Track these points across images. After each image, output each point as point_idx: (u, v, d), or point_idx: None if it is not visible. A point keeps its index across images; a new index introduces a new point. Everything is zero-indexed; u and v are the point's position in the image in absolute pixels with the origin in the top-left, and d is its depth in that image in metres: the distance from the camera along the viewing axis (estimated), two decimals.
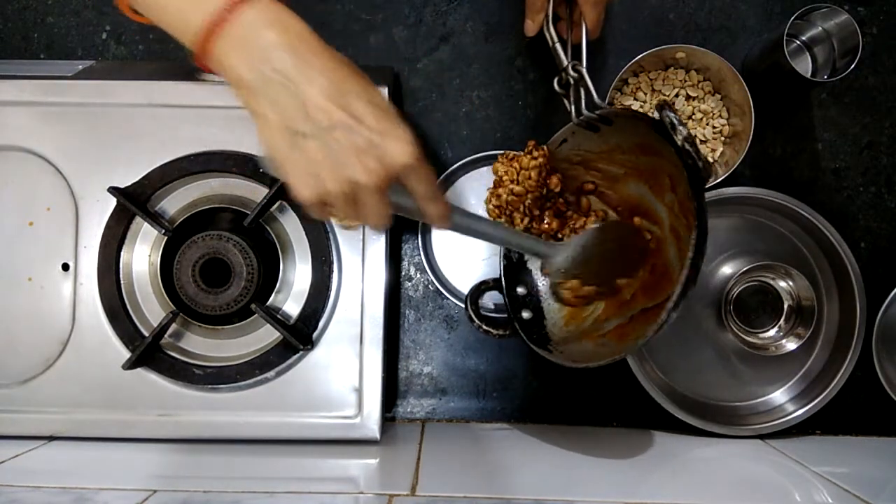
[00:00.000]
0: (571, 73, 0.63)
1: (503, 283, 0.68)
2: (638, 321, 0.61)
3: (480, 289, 0.68)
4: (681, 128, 0.52)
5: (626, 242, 0.64)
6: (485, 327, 0.63)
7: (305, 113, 0.43)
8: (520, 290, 0.68)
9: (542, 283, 0.68)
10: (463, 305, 0.74)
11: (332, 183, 0.44)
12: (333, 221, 0.47)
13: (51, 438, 0.66)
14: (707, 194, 0.71)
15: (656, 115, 0.53)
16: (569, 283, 0.64)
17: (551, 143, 0.67)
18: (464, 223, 0.55)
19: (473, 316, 0.64)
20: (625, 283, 0.63)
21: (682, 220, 0.59)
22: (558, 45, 0.64)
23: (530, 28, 0.66)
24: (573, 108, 0.63)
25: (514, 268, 0.69)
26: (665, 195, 0.61)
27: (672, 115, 0.52)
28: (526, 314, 0.66)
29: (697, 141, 0.75)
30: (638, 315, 0.61)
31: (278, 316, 0.66)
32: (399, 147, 0.44)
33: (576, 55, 0.64)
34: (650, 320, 0.54)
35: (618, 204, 0.66)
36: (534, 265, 0.69)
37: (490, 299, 0.76)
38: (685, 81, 0.75)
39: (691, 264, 0.51)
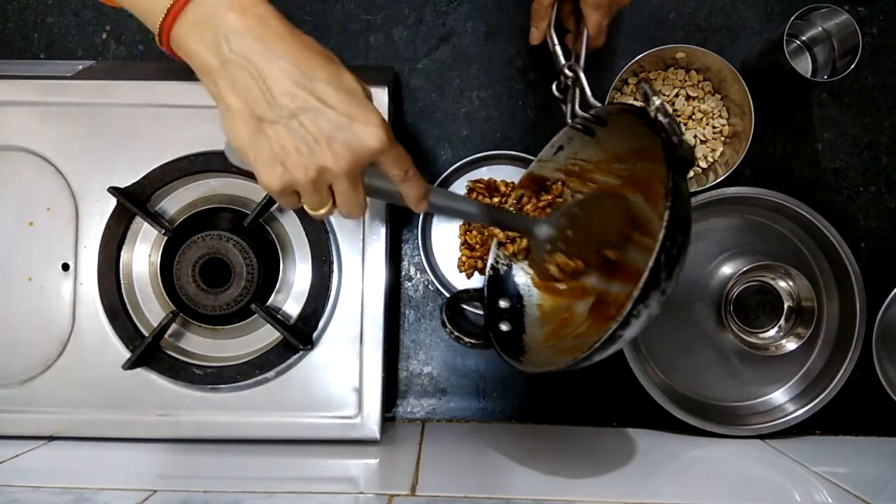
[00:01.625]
0: (567, 72, 0.63)
1: (486, 293, 0.67)
2: None
3: (460, 297, 0.67)
4: (654, 98, 0.48)
5: (611, 213, 0.62)
6: (456, 333, 0.62)
7: (270, 98, 0.41)
8: (502, 302, 0.66)
9: (527, 297, 0.67)
10: (462, 305, 0.75)
11: (300, 170, 0.43)
12: (308, 211, 0.46)
13: (51, 438, 0.66)
14: (707, 194, 0.72)
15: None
16: (555, 259, 0.62)
17: (547, 149, 0.66)
18: (443, 203, 0.55)
19: (446, 321, 0.62)
20: (614, 256, 0.61)
21: None
22: (558, 48, 0.64)
23: (535, 36, 0.66)
24: (569, 109, 0.62)
25: (500, 280, 0.68)
26: (659, 204, 0.58)
27: (647, 86, 0.49)
28: (504, 326, 0.64)
29: (697, 140, 0.75)
30: None
31: (278, 316, 0.66)
32: (369, 131, 0.43)
33: (569, 55, 0.63)
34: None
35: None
36: (522, 278, 0.68)
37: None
38: (685, 81, 0.75)
39: (660, 250, 0.46)
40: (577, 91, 0.61)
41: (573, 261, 0.62)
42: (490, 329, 0.64)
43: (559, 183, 0.66)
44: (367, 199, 0.49)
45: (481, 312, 0.69)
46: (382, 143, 0.43)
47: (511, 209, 0.67)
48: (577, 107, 0.61)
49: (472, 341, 0.62)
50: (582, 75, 0.61)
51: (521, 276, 0.68)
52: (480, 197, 0.73)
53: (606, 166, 0.63)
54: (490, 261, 0.68)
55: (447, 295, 0.75)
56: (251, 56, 0.41)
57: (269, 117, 0.42)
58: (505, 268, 0.68)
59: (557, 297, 0.65)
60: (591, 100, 0.60)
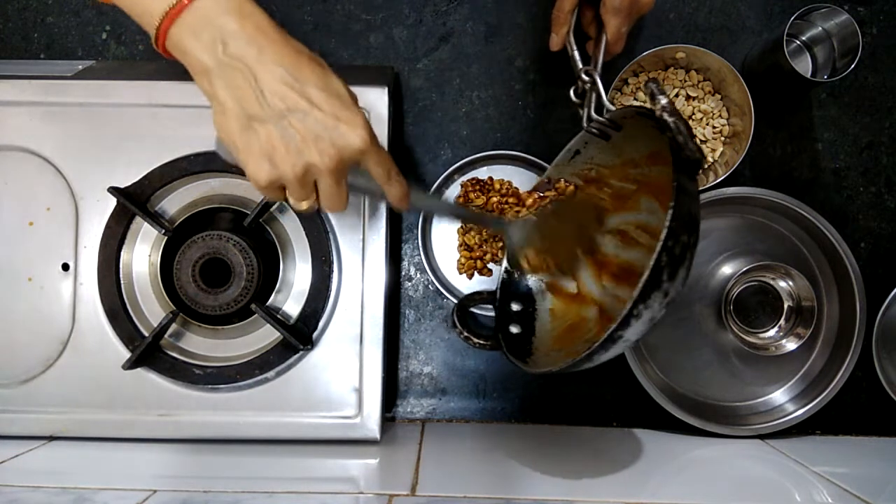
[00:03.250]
0: (584, 77, 0.63)
1: (498, 296, 0.68)
2: None
3: (473, 298, 0.68)
4: (661, 97, 0.49)
5: (581, 215, 0.64)
6: (466, 334, 0.62)
7: (262, 99, 0.44)
8: (514, 305, 0.67)
9: (539, 301, 0.67)
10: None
11: (288, 167, 0.45)
12: (291, 203, 0.49)
13: (51, 438, 0.66)
14: (707, 194, 0.72)
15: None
16: (528, 257, 0.64)
17: (563, 154, 0.67)
18: (423, 203, 0.58)
19: (457, 322, 0.63)
20: (583, 254, 0.64)
21: None
22: (577, 54, 0.64)
23: (555, 42, 0.66)
24: (585, 113, 0.63)
25: (513, 283, 0.68)
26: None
27: (654, 85, 0.49)
28: (514, 329, 0.65)
29: (697, 140, 0.75)
30: None
31: (278, 316, 0.66)
32: (354, 132, 0.45)
33: (589, 60, 0.64)
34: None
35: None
36: (535, 282, 0.68)
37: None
38: (685, 81, 0.75)
39: (661, 249, 0.45)
40: (594, 96, 0.62)
41: (542, 257, 0.64)
42: (500, 331, 0.65)
43: (562, 181, 0.67)
44: (351, 195, 0.51)
45: (490, 314, 0.70)
46: (366, 144, 0.46)
47: (489, 210, 0.69)
48: (593, 111, 0.62)
49: (482, 342, 0.63)
50: (599, 80, 0.62)
51: (534, 280, 0.68)
52: (473, 195, 0.74)
53: (622, 171, 0.63)
54: (504, 264, 0.69)
55: (447, 295, 0.75)
56: (246, 58, 0.44)
57: (259, 116, 0.44)
58: (519, 271, 0.68)
59: (569, 302, 0.65)
60: (608, 104, 0.60)
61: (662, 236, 0.46)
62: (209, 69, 0.44)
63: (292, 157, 0.45)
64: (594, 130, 0.63)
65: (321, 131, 0.45)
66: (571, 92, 0.65)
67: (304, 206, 0.49)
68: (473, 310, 0.73)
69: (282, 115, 0.44)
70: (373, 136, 0.47)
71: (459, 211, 0.64)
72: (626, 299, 0.47)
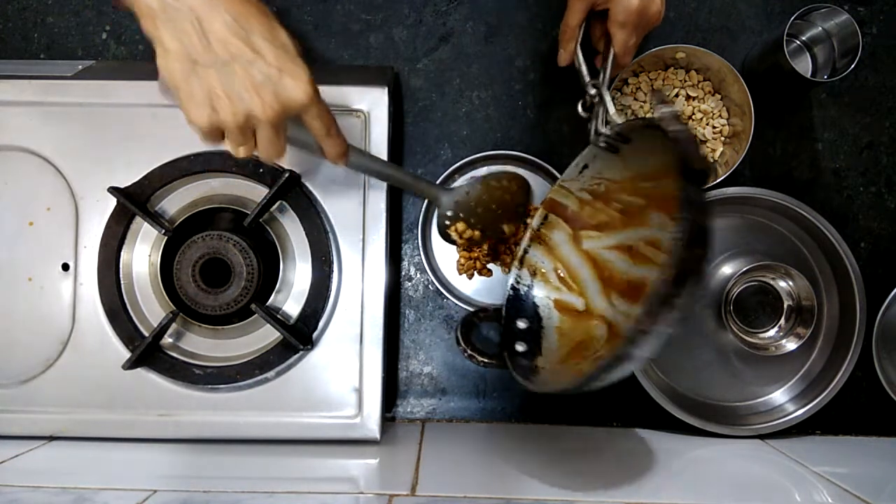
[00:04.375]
0: (591, 90, 0.63)
1: (504, 313, 0.66)
2: None
3: (479, 316, 0.67)
4: (662, 106, 0.48)
5: (511, 190, 0.65)
6: (469, 352, 0.61)
7: (207, 44, 0.45)
8: (520, 323, 0.66)
9: (546, 319, 0.66)
10: (463, 306, 0.75)
11: (228, 114, 0.46)
12: (229, 148, 0.51)
13: (51, 438, 0.66)
14: (707, 194, 0.72)
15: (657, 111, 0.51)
16: (455, 225, 0.65)
17: (571, 169, 0.66)
18: (361, 163, 0.58)
19: (461, 339, 0.62)
20: (510, 230, 0.66)
21: None
22: (584, 67, 0.64)
23: (563, 58, 0.65)
24: (593, 127, 0.62)
25: (520, 299, 0.67)
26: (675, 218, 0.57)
27: (661, 94, 0.49)
28: (521, 347, 0.64)
29: (697, 140, 0.75)
30: None
31: (278, 316, 0.66)
32: (296, 85, 0.46)
33: (597, 74, 0.63)
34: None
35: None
36: (542, 299, 0.67)
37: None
38: (685, 81, 0.75)
39: (671, 263, 0.44)
40: (602, 110, 0.62)
41: (472, 230, 0.65)
42: (506, 348, 0.63)
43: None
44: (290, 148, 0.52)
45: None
46: (309, 97, 0.47)
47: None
48: (601, 125, 0.61)
49: (486, 360, 0.62)
50: (606, 94, 0.61)
51: (542, 297, 0.67)
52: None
53: (632, 185, 0.62)
54: (510, 280, 0.68)
55: (447, 295, 0.75)
56: (192, 3, 0.44)
57: (203, 61, 0.45)
58: (525, 288, 0.67)
59: (577, 319, 0.64)
60: (615, 118, 0.60)
61: (671, 249, 0.45)
62: (155, 12, 0.44)
63: (234, 105, 0.46)
64: (602, 144, 0.62)
65: (264, 81, 0.45)
66: (579, 106, 0.65)
67: (241, 152, 0.50)
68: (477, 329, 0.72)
69: (225, 62, 0.45)
70: (316, 91, 0.48)
71: (396, 174, 0.62)
72: (635, 316, 0.45)
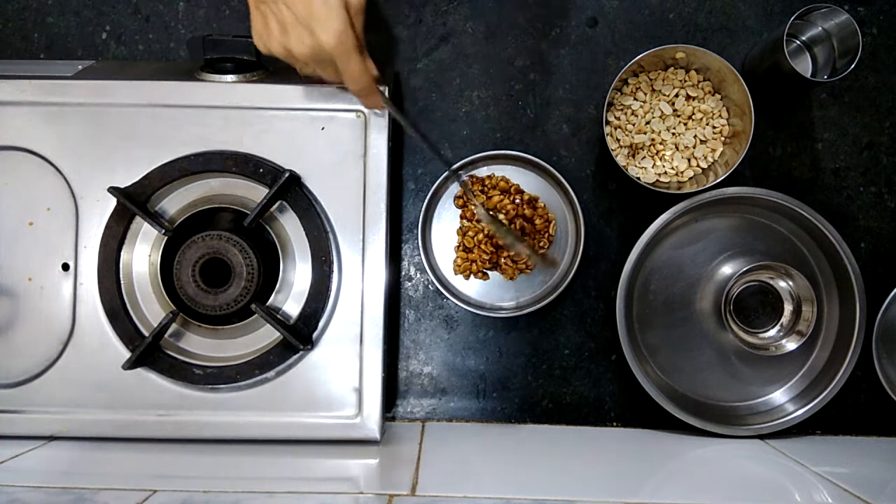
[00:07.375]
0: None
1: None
2: None
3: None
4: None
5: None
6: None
7: None
8: None
9: None
10: (463, 306, 0.75)
11: (275, 45, 0.55)
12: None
13: (51, 438, 0.66)
14: (707, 194, 0.72)
15: None
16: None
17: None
18: (391, 110, 0.65)
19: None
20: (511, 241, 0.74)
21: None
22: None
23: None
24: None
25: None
26: None
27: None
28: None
29: (697, 140, 0.75)
30: None
31: (278, 316, 0.66)
32: (323, 31, 0.52)
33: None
34: None
35: None
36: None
37: (476, 293, 0.76)
38: (685, 81, 0.75)
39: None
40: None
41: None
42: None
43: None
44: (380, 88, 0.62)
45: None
46: (330, 46, 0.53)
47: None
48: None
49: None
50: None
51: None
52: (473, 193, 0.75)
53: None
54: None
55: (447, 295, 0.75)
56: None
57: (257, 3, 0.55)
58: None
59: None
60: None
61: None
62: None
63: (272, 40, 0.55)
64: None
65: (293, 23, 0.53)
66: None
67: (320, 77, 0.59)
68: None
69: (266, 3, 0.54)
70: (344, 43, 0.53)
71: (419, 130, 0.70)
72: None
